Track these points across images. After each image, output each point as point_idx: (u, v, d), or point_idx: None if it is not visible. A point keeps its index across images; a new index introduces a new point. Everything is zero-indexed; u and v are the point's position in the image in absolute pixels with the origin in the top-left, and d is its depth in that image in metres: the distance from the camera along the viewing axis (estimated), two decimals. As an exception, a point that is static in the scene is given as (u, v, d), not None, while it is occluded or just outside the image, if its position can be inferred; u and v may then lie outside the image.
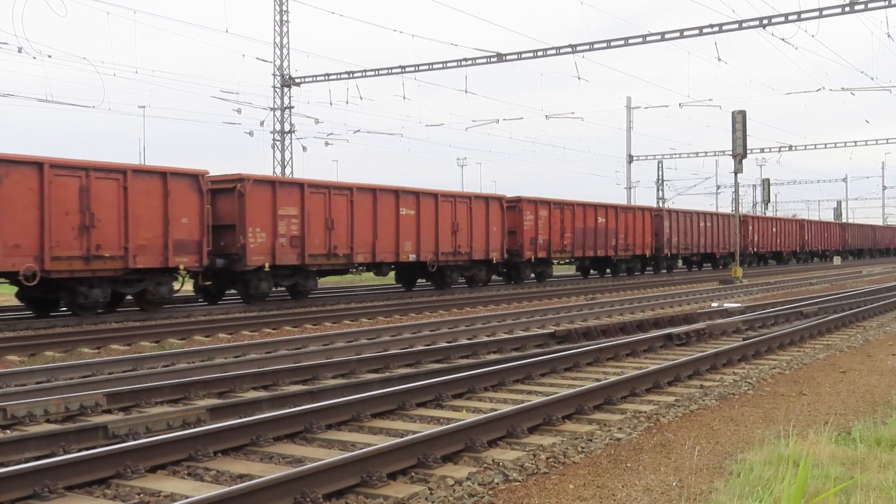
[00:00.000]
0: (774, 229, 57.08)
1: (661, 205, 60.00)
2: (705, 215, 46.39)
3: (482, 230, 28.59)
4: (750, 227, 51.72)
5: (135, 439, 6.58)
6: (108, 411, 8.21)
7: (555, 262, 34.36)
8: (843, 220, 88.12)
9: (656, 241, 40.40)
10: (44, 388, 9.06)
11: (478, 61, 33.81)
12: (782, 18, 28.75)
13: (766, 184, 69.74)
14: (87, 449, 6.22)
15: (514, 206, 30.77)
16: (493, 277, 31.91)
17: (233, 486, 5.07)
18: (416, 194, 25.99)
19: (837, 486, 5.06)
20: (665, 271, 43.38)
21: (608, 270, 38.63)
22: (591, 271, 38.62)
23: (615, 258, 37.31)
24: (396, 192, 25.20)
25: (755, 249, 52.75)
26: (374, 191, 24.33)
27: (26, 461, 5.95)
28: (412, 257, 25.73)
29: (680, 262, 46.90)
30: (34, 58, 27.67)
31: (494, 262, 29.56)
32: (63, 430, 6.74)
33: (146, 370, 10.62)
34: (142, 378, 9.83)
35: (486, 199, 29.20)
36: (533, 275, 32.72)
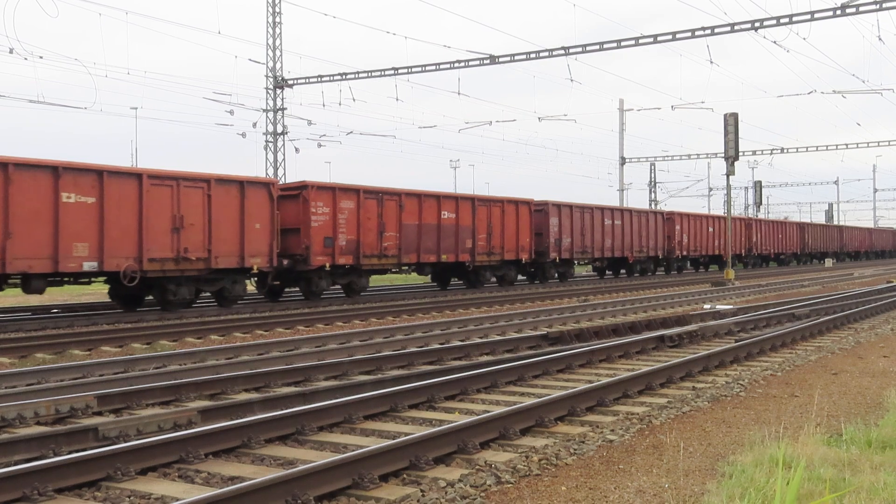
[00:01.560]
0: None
1: (653, 206, 60.14)
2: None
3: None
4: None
5: (125, 441, 6.56)
6: (99, 413, 8.17)
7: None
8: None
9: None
10: (34, 390, 9.00)
11: (471, 63, 33.84)
12: (774, 21, 28.84)
13: (758, 186, 69.94)
14: (78, 451, 6.19)
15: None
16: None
17: (224, 489, 5.05)
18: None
19: (835, 494, 5.07)
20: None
21: (622, 271, 40.78)
22: (607, 272, 40.82)
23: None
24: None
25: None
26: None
27: (16, 463, 5.93)
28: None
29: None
30: (26, 59, 27.58)
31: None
32: (53, 432, 6.70)
33: (137, 372, 10.58)
34: (133, 380, 9.78)
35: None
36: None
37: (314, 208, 22.71)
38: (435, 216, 26.81)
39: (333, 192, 23.40)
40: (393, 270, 27.13)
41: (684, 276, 42.96)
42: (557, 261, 33.44)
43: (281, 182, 27.96)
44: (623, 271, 40.75)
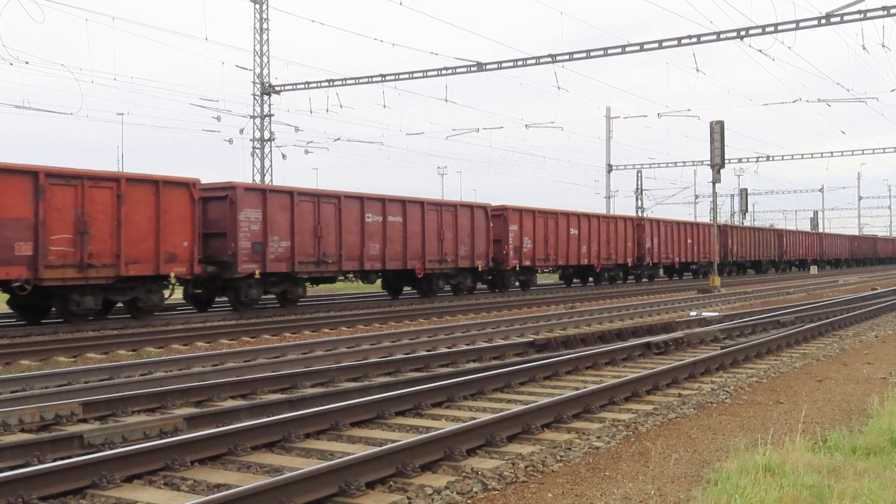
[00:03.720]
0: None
1: (640, 213, 60.34)
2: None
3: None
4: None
5: (111, 449, 6.52)
6: (84, 421, 8.13)
7: (539, 270, 34.66)
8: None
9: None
10: (19, 397, 8.96)
11: (458, 70, 33.88)
12: (759, 30, 29.03)
13: (743, 193, 70.27)
14: (63, 459, 6.15)
15: (499, 214, 30.91)
16: (479, 286, 31.67)
17: (210, 496, 5.04)
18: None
19: None
20: (647, 280, 43.23)
21: (591, 279, 38.79)
22: (575, 280, 38.81)
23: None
24: (383, 200, 25.42)
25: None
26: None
27: (1, 471, 5.88)
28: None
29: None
30: (11, 64, 27.47)
31: (480, 269, 29.77)
32: (38, 439, 6.67)
33: (123, 379, 10.52)
34: (118, 387, 9.74)
35: (472, 208, 29.42)
36: (517, 283, 32.95)
37: (242, 212, 21.00)
38: (380, 220, 25.12)
39: (264, 193, 21.85)
40: (339, 279, 25.59)
41: (656, 284, 40.01)
42: (518, 268, 31.69)
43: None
44: (591, 280, 38.64)
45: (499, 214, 30.94)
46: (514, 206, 32.02)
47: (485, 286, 32.23)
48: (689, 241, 45.49)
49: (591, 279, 38.88)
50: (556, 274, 39.18)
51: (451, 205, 28.75)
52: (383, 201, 25.41)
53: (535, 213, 32.84)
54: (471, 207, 29.38)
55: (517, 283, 32.99)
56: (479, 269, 29.68)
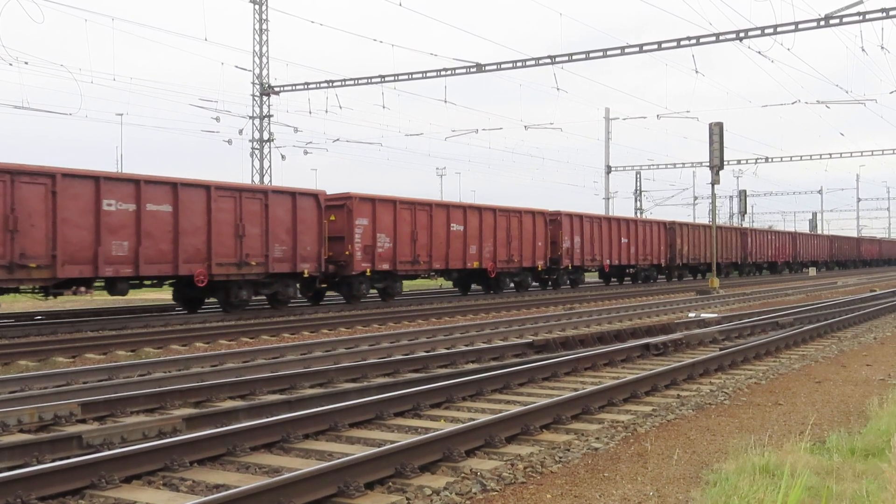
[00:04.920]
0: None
1: (639, 214, 60.35)
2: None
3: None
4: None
5: (109, 449, 6.52)
6: (83, 421, 8.13)
7: (586, 269, 36.60)
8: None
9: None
10: (18, 398, 8.96)
11: (457, 71, 33.90)
12: (759, 32, 29.05)
13: (742, 195, 70.42)
14: (62, 459, 6.15)
15: (554, 219, 33.59)
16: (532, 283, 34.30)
17: (209, 497, 5.04)
18: (479, 210, 29.82)
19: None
20: (568, 286, 37.71)
21: (627, 278, 40.78)
22: (612, 279, 40.59)
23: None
24: (464, 209, 29.29)
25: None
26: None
27: (0, 471, 5.89)
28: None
29: (584, 276, 44.55)
30: (10, 64, 27.47)
31: (539, 269, 32.67)
32: (36, 440, 6.66)
33: (122, 379, 10.52)
34: (117, 387, 9.74)
35: (533, 214, 32.48)
36: (569, 281, 35.65)
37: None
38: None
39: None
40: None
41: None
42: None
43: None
44: (627, 279, 39.42)
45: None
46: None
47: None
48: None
49: (626, 278, 40.24)
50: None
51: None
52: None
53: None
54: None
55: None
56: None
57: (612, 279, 41.22)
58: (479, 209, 30.15)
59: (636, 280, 42.19)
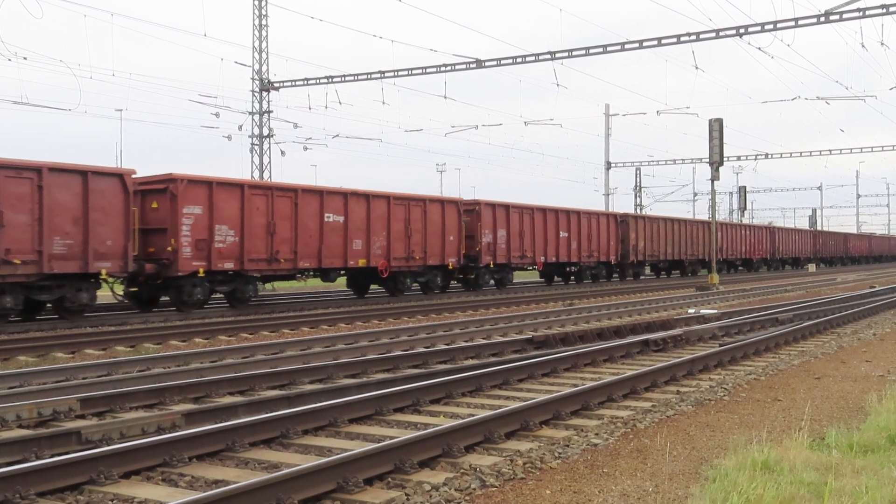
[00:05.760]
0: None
1: (638, 211, 60.28)
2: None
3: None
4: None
5: (109, 445, 6.52)
6: (82, 416, 8.12)
7: (515, 267, 31.99)
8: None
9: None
10: (16, 393, 8.95)
11: (457, 67, 33.90)
12: (759, 28, 29.04)
13: (742, 191, 70.43)
14: (60, 455, 6.15)
15: (471, 209, 28.75)
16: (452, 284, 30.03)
17: (208, 492, 5.03)
18: (367, 197, 24.95)
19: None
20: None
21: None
22: (557, 278, 36.50)
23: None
24: (345, 195, 24.31)
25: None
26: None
27: (-2, 467, 5.88)
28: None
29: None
30: (9, 59, 27.50)
31: (451, 267, 28.11)
32: (35, 435, 6.66)
33: (121, 375, 10.53)
34: (116, 383, 9.74)
35: (442, 203, 27.80)
36: (492, 281, 31.15)
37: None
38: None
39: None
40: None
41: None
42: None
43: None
44: (573, 278, 35.56)
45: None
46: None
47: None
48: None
49: (572, 278, 35.85)
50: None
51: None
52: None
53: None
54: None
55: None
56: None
57: (557, 278, 36.96)
58: (368, 196, 25.03)
59: (580, 279, 37.25)
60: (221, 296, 22.16)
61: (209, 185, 20.65)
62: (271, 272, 22.51)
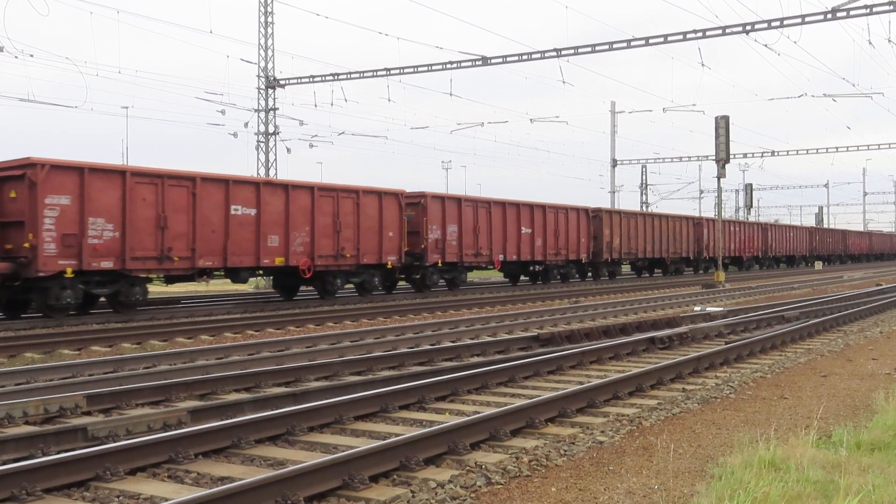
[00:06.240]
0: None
1: (644, 208, 60.09)
2: (512, 207, 31.65)
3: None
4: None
5: (115, 441, 6.53)
6: (88, 413, 8.14)
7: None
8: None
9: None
10: (23, 390, 8.98)
11: (463, 64, 33.85)
12: (765, 25, 28.95)
13: (748, 189, 70.23)
14: (67, 451, 6.16)
15: (416, 202, 26.23)
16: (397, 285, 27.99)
17: (213, 489, 5.04)
18: (286, 187, 22.62)
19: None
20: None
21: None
22: (522, 277, 34.51)
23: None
24: (257, 185, 22.07)
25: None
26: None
27: (5, 463, 5.89)
28: (279, 261, 22.06)
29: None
30: (16, 57, 27.50)
31: (390, 266, 25.79)
32: (42, 431, 6.68)
33: (127, 372, 10.55)
34: (122, 380, 9.75)
35: (379, 195, 25.05)
36: (443, 281, 29.02)
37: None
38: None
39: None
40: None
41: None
42: (441, 265, 27.78)
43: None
44: (540, 279, 33.62)
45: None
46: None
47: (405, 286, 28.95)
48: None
49: (539, 279, 33.54)
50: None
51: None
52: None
53: (461, 201, 28.53)
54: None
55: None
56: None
57: (525, 278, 34.64)
58: (286, 187, 22.59)
59: (547, 280, 34.26)
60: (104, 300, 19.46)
61: (80, 171, 18.04)
62: (163, 272, 19.96)
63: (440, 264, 27.81)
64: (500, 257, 30.24)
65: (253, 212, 21.41)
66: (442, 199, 28.11)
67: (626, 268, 44.29)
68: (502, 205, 30.66)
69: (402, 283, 28.71)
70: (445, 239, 27.79)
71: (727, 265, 50.88)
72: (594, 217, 36.42)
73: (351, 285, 25.51)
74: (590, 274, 37.90)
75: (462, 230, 28.51)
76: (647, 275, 43.57)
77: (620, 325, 15.20)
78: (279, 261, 22.11)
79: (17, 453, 6.27)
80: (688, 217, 47.21)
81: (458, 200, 28.75)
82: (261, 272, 23.62)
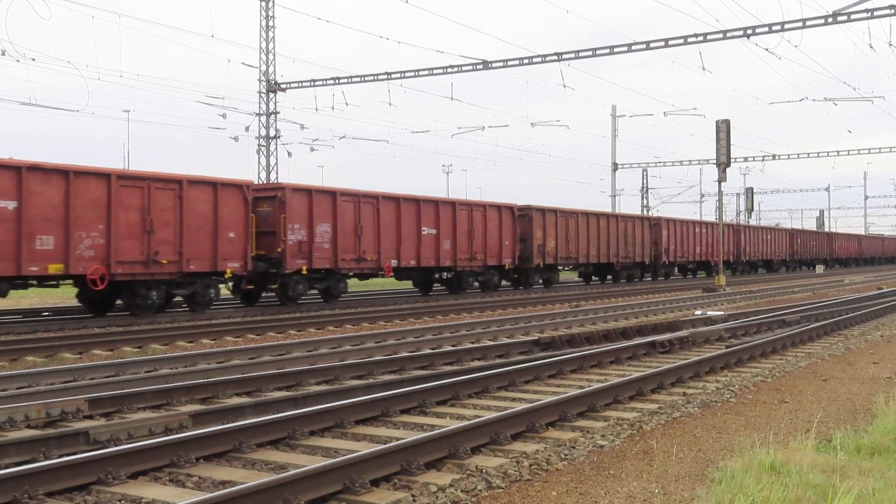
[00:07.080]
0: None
1: (645, 212, 60.13)
2: (479, 208, 29.98)
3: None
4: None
5: (116, 445, 6.54)
6: (90, 417, 8.15)
7: (561, 267, 34.56)
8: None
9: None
10: (25, 394, 8.98)
11: (464, 68, 33.89)
12: (766, 28, 28.98)
13: (749, 192, 70.18)
14: (68, 455, 6.17)
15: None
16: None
17: (215, 493, 5.05)
18: (65, 173, 17.55)
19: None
20: (543, 285, 33.62)
21: (609, 277, 38.55)
22: (594, 277, 38.85)
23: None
24: (418, 202, 27.12)
25: (546, 260, 33.11)
26: (397, 200, 26.28)
27: (6, 467, 5.91)
28: (53, 269, 17.31)
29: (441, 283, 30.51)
30: (18, 60, 27.53)
31: (507, 267, 30.68)
32: (44, 435, 6.69)
33: (128, 376, 10.55)
34: (124, 384, 9.76)
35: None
36: (541, 280, 33.52)
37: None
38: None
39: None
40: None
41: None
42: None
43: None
44: (609, 277, 39.49)
45: (524, 214, 31.80)
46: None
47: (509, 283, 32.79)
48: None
49: (608, 277, 38.82)
50: (576, 272, 38.32)
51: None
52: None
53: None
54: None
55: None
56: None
57: (439, 286, 30.47)
58: (66, 172, 17.76)
59: (461, 288, 29.51)
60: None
61: None
62: None
63: (305, 271, 23.04)
64: (393, 263, 25.84)
65: (11, 205, 16.80)
66: (309, 192, 23.35)
67: (572, 274, 40.79)
68: (395, 200, 26.13)
69: (266, 295, 24.33)
70: (314, 241, 23.15)
71: (690, 270, 48.31)
72: (521, 216, 31.89)
73: (180, 297, 20.89)
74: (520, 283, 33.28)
75: (338, 230, 23.87)
76: (598, 280, 39.80)
77: (621, 329, 15.19)
78: (53, 269, 17.50)
79: (19, 457, 6.28)
80: (642, 217, 43.20)
81: (332, 194, 24.02)
82: (34, 282, 18.17)
